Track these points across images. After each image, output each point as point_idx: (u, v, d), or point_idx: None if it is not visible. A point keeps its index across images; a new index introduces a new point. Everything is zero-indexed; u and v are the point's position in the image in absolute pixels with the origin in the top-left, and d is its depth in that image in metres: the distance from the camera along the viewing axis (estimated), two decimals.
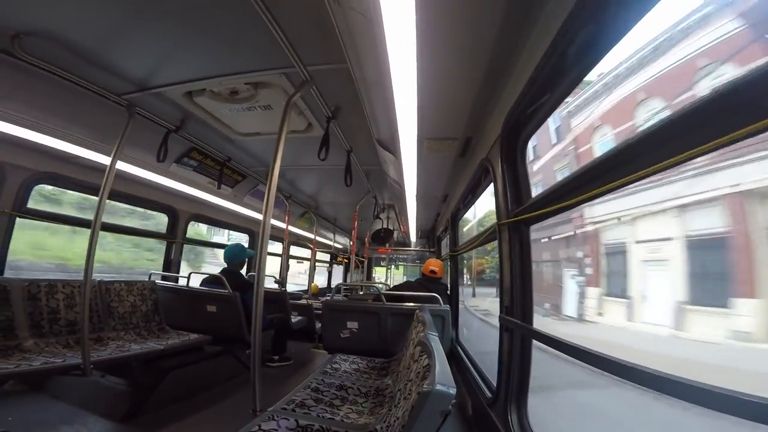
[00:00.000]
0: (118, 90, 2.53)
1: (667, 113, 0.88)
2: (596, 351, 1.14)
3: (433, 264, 4.06)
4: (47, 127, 2.58)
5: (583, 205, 1.29)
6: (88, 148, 2.87)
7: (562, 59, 1.29)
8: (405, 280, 4.57)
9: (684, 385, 0.77)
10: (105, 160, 2.60)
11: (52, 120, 2.57)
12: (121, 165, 3.12)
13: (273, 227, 5.65)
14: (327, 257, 9.24)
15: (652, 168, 0.92)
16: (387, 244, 7.40)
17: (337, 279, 9.80)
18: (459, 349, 3.62)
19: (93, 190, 2.63)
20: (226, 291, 3.40)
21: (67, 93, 2.43)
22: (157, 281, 3.81)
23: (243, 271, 4.09)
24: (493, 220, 2.18)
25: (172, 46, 2.07)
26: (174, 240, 4.35)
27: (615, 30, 1.10)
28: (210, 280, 3.76)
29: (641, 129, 0.97)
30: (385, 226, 6.78)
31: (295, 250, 7.51)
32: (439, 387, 1.02)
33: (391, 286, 7.10)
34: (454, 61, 1.72)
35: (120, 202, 3.80)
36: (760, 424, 0.63)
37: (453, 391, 1.02)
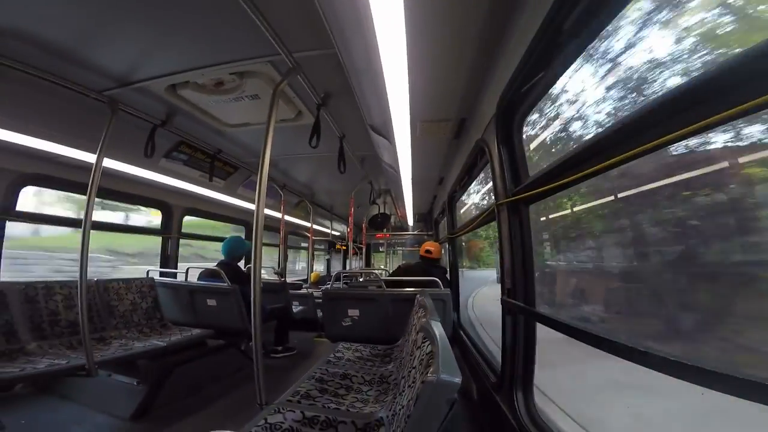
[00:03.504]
0: (97, 86, 2.45)
1: (674, 84, 0.84)
2: (599, 333, 1.13)
3: (429, 245, 4.25)
4: (30, 128, 2.51)
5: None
6: (73, 147, 2.81)
7: (557, 34, 1.23)
8: (404, 261, 4.58)
9: (700, 369, 0.75)
10: (91, 158, 2.54)
11: (34, 121, 2.50)
12: (109, 162, 3.06)
13: (269, 218, 5.67)
14: (325, 245, 9.23)
15: (656, 142, 0.89)
16: (384, 230, 7.38)
17: (337, 267, 9.82)
18: (461, 332, 3.65)
19: (82, 189, 2.57)
20: (225, 284, 3.39)
21: (45, 93, 2.36)
22: (155, 278, 3.79)
23: (241, 264, 4.07)
24: None
25: (151, 38, 1.99)
26: (170, 235, 4.31)
27: (614, 2, 1.05)
28: (207, 274, 3.73)
29: (644, 102, 0.93)
30: (381, 211, 6.75)
31: (293, 240, 7.49)
32: (443, 376, 1.00)
33: (390, 271, 7.11)
34: (445, 41, 1.66)
35: (111, 200, 3.75)
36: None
37: (458, 379, 1.01)
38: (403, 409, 1.28)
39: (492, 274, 17.11)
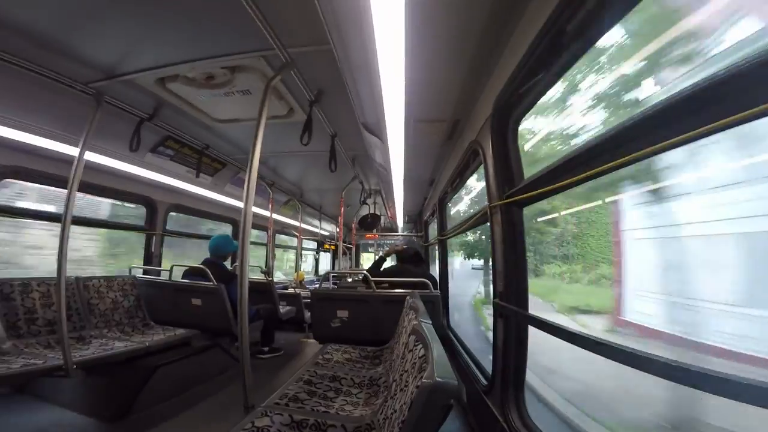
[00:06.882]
0: (83, 78, 2.37)
1: (672, 91, 0.84)
2: (594, 336, 1.13)
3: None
4: (9, 119, 2.41)
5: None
6: (55, 140, 2.70)
7: (559, 37, 1.23)
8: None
9: (699, 374, 0.74)
10: (74, 151, 2.45)
11: (12, 111, 2.40)
12: (93, 156, 2.96)
13: (257, 216, 5.59)
14: (314, 245, 9.15)
15: (649, 149, 0.89)
16: (374, 230, 7.35)
17: (325, 266, 9.74)
18: (451, 335, 3.63)
19: (64, 183, 2.48)
20: (211, 283, 3.31)
21: (27, 82, 2.26)
22: (138, 276, 3.69)
23: (227, 263, 3.99)
24: None
25: (141, 29, 1.92)
26: (153, 232, 4.20)
27: (618, 6, 1.05)
28: (191, 272, 3.64)
29: (641, 108, 0.93)
30: (372, 211, 6.72)
31: (281, 239, 7.40)
32: (439, 380, 0.98)
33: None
34: (444, 41, 1.65)
35: (94, 195, 3.63)
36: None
37: (454, 384, 0.99)
38: (396, 413, 1.25)
39: None
